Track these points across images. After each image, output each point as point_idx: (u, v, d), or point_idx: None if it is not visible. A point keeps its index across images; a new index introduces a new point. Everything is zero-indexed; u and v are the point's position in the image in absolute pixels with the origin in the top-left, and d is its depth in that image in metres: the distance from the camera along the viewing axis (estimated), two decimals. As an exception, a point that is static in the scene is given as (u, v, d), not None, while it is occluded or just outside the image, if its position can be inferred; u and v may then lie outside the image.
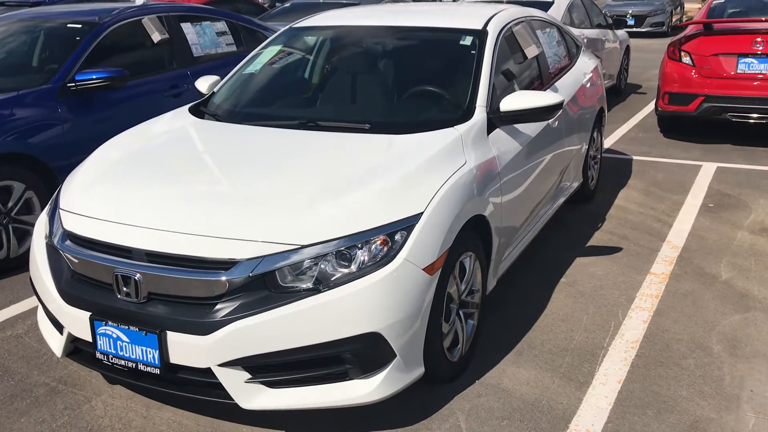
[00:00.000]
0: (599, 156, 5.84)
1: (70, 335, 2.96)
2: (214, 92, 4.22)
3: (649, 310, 3.89)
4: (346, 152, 3.23)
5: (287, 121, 3.63)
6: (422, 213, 2.82)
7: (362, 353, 2.68)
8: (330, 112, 3.78)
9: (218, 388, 2.71)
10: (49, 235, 3.13)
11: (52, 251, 3.06)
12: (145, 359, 2.74)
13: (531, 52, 4.32)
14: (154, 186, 3.05)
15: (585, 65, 5.44)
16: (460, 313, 3.21)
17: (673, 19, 21.30)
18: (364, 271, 2.66)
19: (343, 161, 3.14)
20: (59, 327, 3.06)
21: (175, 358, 2.70)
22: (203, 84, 4.37)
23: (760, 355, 3.41)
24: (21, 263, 4.59)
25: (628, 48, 10.82)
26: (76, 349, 3.04)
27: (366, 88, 3.92)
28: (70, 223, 2.98)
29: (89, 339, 2.86)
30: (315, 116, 3.63)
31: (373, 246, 2.70)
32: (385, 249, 2.71)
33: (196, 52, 5.93)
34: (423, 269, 2.76)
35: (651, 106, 9.67)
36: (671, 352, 3.45)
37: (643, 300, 4.01)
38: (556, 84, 4.66)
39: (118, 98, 5.15)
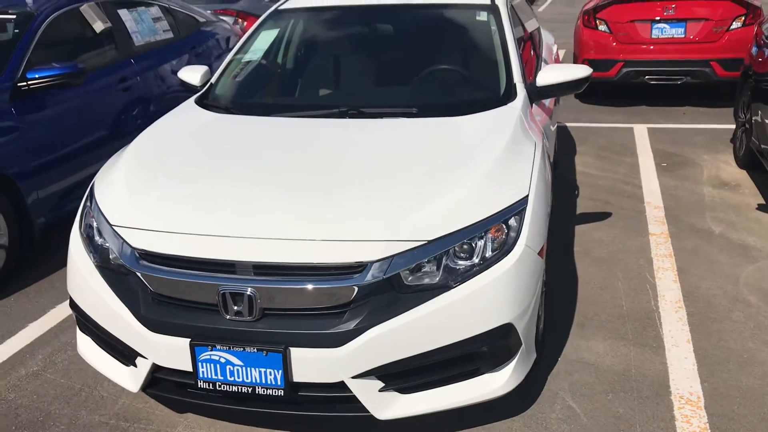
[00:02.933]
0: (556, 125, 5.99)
1: (154, 366, 2.63)
2: (212, 84, 3.88)
3: (672, 269, 4.06)
4: (418, 139, 3.09)
5: (325, 110, 3.41)
6: (527, 196, 2.75)
7: (496, 346, 2.59)
8: (369, 99, 3.57)
9: (350, 402, 2.53)
10: (101, 257, 2.76)
11: (114, 275, 2.70)
12: (264, 381, 2.49)
13: (530, 25, 4.33)
14: (234, 191, 2.76)
15: (547, 36, 5.54)
16: (539, 293, 3.18)
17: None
18: (488, 261, 2.56)
19: (423, 149, 2.99)
20: (130, 358, 2.72)
21: (299, 376, 2.48)
22: (193, 75, 4.01)
23: (793, 301, 3.67)
24: (-7, 291, 4.06)
25: None
26: (154, 380, 2.71)
27: (394, 72, 3.75)
28: (141, 240, 2.63)
29: (187, 368, 2.56)
30: (354, 104, 3.42)
31: (491, 235, 2.60)
32: (503, 236, 2.62)
33: (137, 40, 5.42)
34: (537, 253, 2.71)
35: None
36: (716, 308, 3.63)
37: (660, 260, 4.17)
38: (543, 55, 4.70)
39: (70, 96, 4.61)
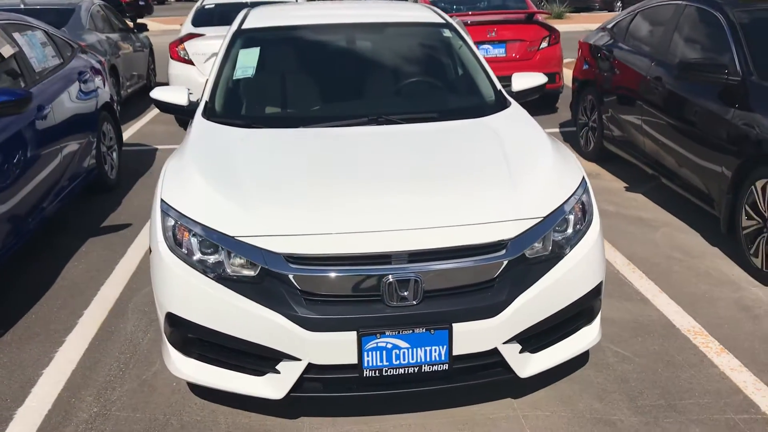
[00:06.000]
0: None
1: (309, 366, 2.69)
2: (207, 102, 3.84)
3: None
4: (466, 136, 3.46)
5: (353, 119, 3.61)
6: (584, 176, 3.27)
7: (594, 302, 3.06)
8: (386, 107, 3.79)
9: (498, 366, 2.83)
10: (213, 270, 2.74)
11: (238, 284, 2.70)
12: (429, 359, 2.70)
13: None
14: (355, 192, 2.90)
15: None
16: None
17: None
18: (580, 232, 3.02)
19: (480, 143, 3.38)
20: (268, 366, 2.75)
21: (459, 349, 2.72)
22: (176, 96, 3.94)
23: (708, 254, 4.61)
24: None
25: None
26: (298, 382, 2.76)
27: (396, 82, 4.04)
28: (288, 245, 2.66)
29: (350, 361, 2.67)
30: (377, 111, 3.65)
31: (576, 208, 3.08)
32: (580, 210, 3.10)
33: (35, 66, 5.01)
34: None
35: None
36: (659, 266, 4.45)
37: (590, 236, 4.93)
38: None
39: (3, 124, 4.18)
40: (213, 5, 8.90)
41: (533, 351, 2.91)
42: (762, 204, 4.13)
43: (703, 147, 4.75)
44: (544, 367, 2.93)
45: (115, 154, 6.29)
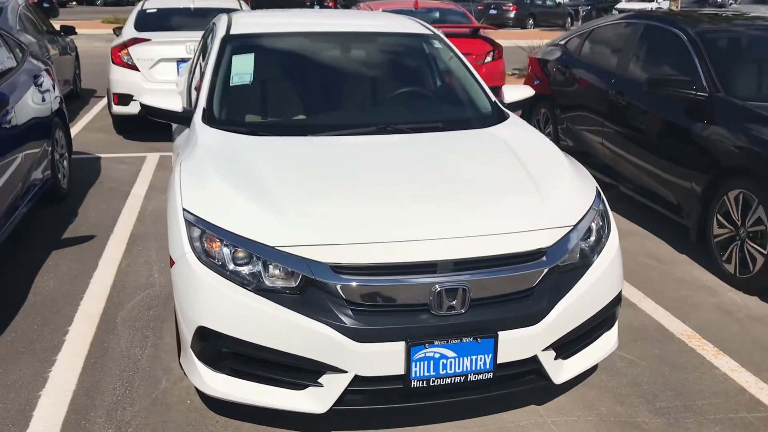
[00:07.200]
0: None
1: (356, 378, 2.64)
2: (205, 109, 3.70)
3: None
4: (483, 146, 3.49)
5: (363, 127, 3.58)
6: (597, 186, 3.36)
7: (616, 309, 3.14)
8: (392, 116, 3.77)
9: (535, 373, 2.86)
10: (250, 282, 2.66)
11: (279, 296, 2.63)
12: (474, 368, 2.70)
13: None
14: (391, 201, 2.85)
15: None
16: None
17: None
18: (603, 240, 3.10)
19: (499, 153, 3.40)
20: (309, 379, 2.68)
21: (503, 357, 2.74)
22: (171, 102, 3.78)
23: (678, 261, 4.83)
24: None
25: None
26: (341, 395, 2.70)
27: (396, 91, 4.02)
28: (334, 255, 2.61)
29: (398, 371, 2.64)
30: (384, 121, 3.64)
31: (596, 217, 3.16)
32: (600, 219, 3.18)
33: (-5, 69, 4.71)
34: (614, 233, 3.33)
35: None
36: (637, 273, 4.62)
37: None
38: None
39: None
40: (155, 9, 8.61)
41: (565, 358, 2.96)
42: (735, 213, 4.37)
43: (670, 160, 4.98)
44: (575, 373, 2.99)
45: (66, 162, 5.98)
